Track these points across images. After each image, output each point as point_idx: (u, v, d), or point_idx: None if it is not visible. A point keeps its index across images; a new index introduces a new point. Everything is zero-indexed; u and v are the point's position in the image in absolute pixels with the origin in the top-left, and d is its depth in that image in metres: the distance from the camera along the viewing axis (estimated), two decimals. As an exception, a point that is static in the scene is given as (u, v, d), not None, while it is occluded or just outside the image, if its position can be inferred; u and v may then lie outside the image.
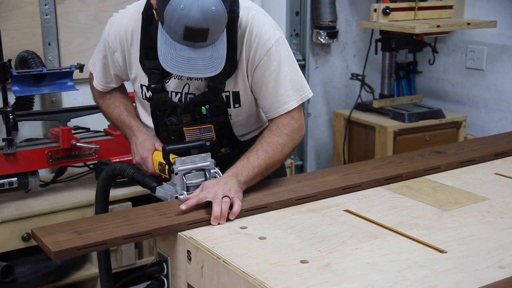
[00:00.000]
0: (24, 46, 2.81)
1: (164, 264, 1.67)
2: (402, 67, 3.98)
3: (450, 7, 3.51)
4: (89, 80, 2.16)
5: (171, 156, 1.80)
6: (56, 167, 2.74)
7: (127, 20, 1.91)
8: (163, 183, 1.86)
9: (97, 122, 2.86)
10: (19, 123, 2.65)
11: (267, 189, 1.85)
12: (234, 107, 1.93)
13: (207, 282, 1.48)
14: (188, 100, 1.91)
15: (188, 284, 1.58)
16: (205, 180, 1.79)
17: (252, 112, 1.99)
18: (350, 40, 3.95)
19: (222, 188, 1.69)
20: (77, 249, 1.48)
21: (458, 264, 1.40)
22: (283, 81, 1.86)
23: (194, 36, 1.65)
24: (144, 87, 1.94)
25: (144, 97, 1.96)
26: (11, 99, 2.70)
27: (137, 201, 2.65)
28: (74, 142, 2.58)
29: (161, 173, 1.89)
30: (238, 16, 1.82)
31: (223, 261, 1.42)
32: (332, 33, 3.69)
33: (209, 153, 1.82)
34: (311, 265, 1.39)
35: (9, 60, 2.58)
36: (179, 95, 1.91)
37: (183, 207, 1.66)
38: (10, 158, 2.50)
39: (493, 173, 2.07)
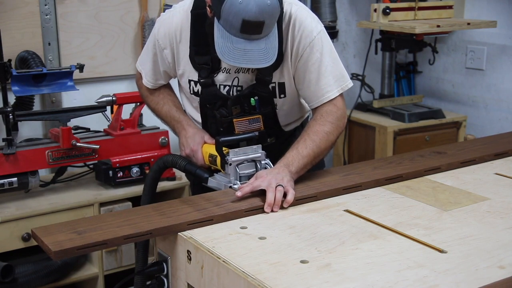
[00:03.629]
0: (24, 46, 2.81)
1: (164, 264, 1.67)
2: (402, 67, 3.98)
3: (450, 7, 3.51)
4: (136, 80, 2.25)
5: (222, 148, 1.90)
6: (56, 167, 2.74)
7: (176, 18, 2.00)
8: (214, 174, 1.95)
9: (97, 122, 2.87)
10: (19, 123, 2.65)
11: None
12: (280, 97, 2.03)
13: (207, 282, 1.48)
14: (236, 92, 2.00)
15: (188, 284, 1.58)
16: (256, 170, 1.88)
17: (295, 101, 2.09)
18: (350, 40, 3.95)
19: (275, 177, 1.77)
20: (77, 249, 1.48)
21: (458, 264, 1.40)
22: (324, 71, 1.96)
23: (251, 28, 1.75)
24: (192, 82, 2.04)
25: (191, 92, 2.06)
26: (11, 99, 2.70)
27: (137, 201, 2.65)
28: (74, 142, 2.58)
29: (211, 165, 1.97)
30: (283, 10, 1.91)
31: (223, 261, 1.42)
32: (332, 33, 3.69)
33: (260, 145, 1.91)
34: (311, 265, 1.39)
35: (9, 60, 2.58)
36: (227, 87, 2.01)
37: (238, 193, 1.75)
38: (10, 158, 2.50)
39: (493, 173, 2.07)
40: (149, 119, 2.90)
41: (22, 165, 2.53)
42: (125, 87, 3.15)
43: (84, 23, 2.99)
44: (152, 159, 2.77)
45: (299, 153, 1.87)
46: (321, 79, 1.97)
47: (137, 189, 2.73)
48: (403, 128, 3.42)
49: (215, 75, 2.00)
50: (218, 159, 1.91)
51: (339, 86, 2.00)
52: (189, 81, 2.05)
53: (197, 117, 2.12)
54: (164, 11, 3.09)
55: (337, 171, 2.03)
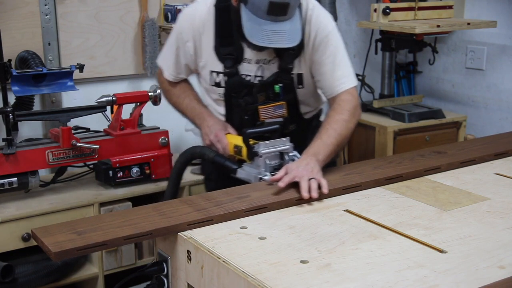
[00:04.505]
0: (24, 46, 2.81)
1: (164, 264, 1.67)
2: (402, 67, 3.98)
3: (450, 7, 3.51)
4: (158, 76, 2.37)
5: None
6: (56, 167, 2.74)
7: (199, 12, 2.13)
8: (243, 165, 2.02)
9: (97, 122, 2.87)
10: (19, 123, 2.65)
11: (267, 189, 1.85)
12: (298, 88, 2.14)
13: (207, 282, 1.48)
14: (258, 81, 2.10)
15: (188, 284, 1.58)
16: (283, 161, 1.97)
17: (312, 93, 2.20)
18: (350, 40, 3.95)
19: (305, 169, 1.84)
20: (77, 250, 1.48)
21: (458, 264, 1.40)
22: (339, 63, 2.09)
23: (277, 10, 1.87)
24: (213, 73, 2.14)
25: (212, 83, 2.16)
26: (11, 99, 2.69)
27: (137, 201, 2.65)
28: (74, 142, 2.57)
29: (236, 155, 2.06)
30: (301, 5, 2.03)
31: (223, 261, 1.42)
32: (332, 33, 3.68)
33: (288, 138, 2.00)
34: (311, 265, 1.40)
35: (9, 60, 2.57)
36: (249, 77, 2.11)
37: (281, 184, 1.81)
38: (10, 158, 2.50)
39: (493, 173, 2.07)
40: (149, 119, 2.90)
41: (22, 165, 2.53)
42: (125, 87, 3.14)
43: (84, 23, 2.99)
44: (152, 159, 2.77)
45: (324, 142, 1.96)
46: (336, 70, 2.08)
47: (137, 189, 2.73)
48: (403, 128, 3.41)
49: (239, 65, 2.10)
50: (244, 149, 1.99)
51: (352, 78, 2.10)
52: (211, 72, 2.14)
53: (218, 108, 2.21)
54: (164, 11, 3.11)
55: (337, 171, 2.03)
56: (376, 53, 3.67)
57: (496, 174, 2.06)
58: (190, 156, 2.17)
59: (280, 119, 2.09)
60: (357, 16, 3.89)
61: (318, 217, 1.69)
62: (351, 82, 2.10)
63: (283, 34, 1.90)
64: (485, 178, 2.02)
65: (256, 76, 2.11)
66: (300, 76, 2.12)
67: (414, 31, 3.19)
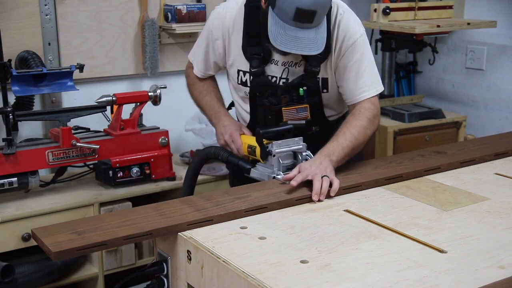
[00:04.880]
0: (24, 46, 2.81)
1: (164, 264, 1.67)
2: (402, 67, 3.98)
3: (450, 7, 3.51)
4: (186, 68, 2.41)
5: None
6: (56, 167, 2.74)
7: (230, 11, 2.16)
8: (256, 165, 2.05)
9: (97, 122, 2.86)
10: (19, 123, 2.65)
11: (267, 189, 1.85)
12: (323, 92, 2.14)
13: (207, 282, 1.49)
14: (282, 84, 2.12)
15: (188, 284, 1.58)
16: (296, 161, 1.99)
17: (337, 97, 2.19)
18: (350, 40, 3.95)
19: (319, 168, 1.86)
20: (77, 250, 1.48)
21: (458, 264, 1.40)
22: (363, 71, 2.08)
23: (303, 17, 1.87)
24: (240, 72, 2.17)
25: (239, 82, 2.19)
26: (11, 99, 2.69)
27: (137, 201, 2.65)
28: (74, 142, 2.57)
29: (249, 155, 2.08)
30: (331, 10, 2.03)
31: (223, 261, 1.42)
32: (332, 33, 3.68)
33: (301, 137, 2.02)
34: (311, 265, 1.40)
35: (9, 60, 2.57)
36: (274, 79, 2.13)
37: (293, 183, 1.82)
38: (10, 158, 2.50)
39: (493, 173, 2.07)
40: (149, 119, 2.90)
41: (22, 165, 2.53)
42: (125, 87, 3.14)
43: (84, 23, 2.99)
44: (152, 159, 2.77)
45: (340, 144, 1.97)
46: (360, 78, 2.08)
47: (137, 189, 2.73)
48: (403, 128, 3.42)
49: (265, 66, 2.12)
50: (257, 149, 2.00)
51: (375, 88, 2.10)
52: (238, 71, 2.17)
53: (244, 106, 2.23)
54: (164, 11, 3.11)
55: (337, 171, 2.02)
56: (376, 53, 3.67)
57: (496, 174, 2.06)
58: (205, 156, 2.20)
59: (303, 122, 2.09)
60: (357, 16, 3.89)
61: (318, 217, 1.69)
62: (374, 91, 2.09)
63: (307, 41, 1.90)
64: (485, 178, 2.02)
65: (281, 78, 2.12)
66: (325, 80, 2.11)
67: (414, 31, 3.19)
